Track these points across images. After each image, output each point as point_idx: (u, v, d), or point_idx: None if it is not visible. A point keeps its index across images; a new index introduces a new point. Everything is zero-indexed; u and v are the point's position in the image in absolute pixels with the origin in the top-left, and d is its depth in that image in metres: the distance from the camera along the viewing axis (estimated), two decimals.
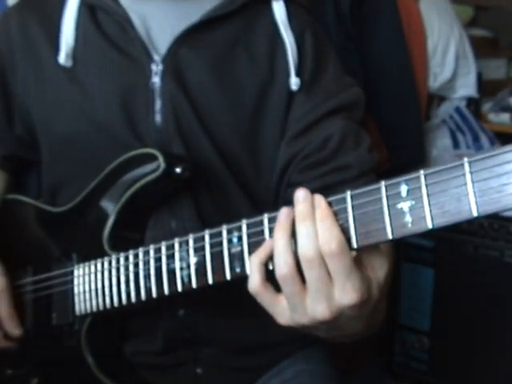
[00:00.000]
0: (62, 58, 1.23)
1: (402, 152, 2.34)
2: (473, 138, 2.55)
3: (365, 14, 2.25)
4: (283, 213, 0.89)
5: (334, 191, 1.14)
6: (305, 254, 0.84)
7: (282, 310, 0.90)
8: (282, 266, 0.86)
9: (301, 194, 0.89)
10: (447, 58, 2.59)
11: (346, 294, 0.84)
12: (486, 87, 2.80)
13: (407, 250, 2.41)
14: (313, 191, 1.09)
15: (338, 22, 2.17)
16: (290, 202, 1.21)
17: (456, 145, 2.54)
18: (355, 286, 0.84)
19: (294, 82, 1.22)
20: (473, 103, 2.70)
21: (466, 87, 2.65)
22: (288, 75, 1.23)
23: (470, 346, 2.26)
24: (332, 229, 0.83)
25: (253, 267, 0.90)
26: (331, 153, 1.20)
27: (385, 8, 2.30)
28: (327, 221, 0.84)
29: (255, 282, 0.90)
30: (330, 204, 0.86)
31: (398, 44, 2.33)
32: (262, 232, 0.92)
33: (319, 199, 0.87)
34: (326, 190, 1.13)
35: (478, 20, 3.28)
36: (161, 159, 1.12)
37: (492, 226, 2.21)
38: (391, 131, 2.31)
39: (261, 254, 0.90)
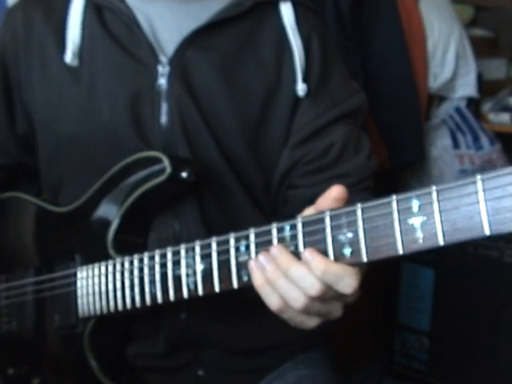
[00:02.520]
0: (69, 56, 1.22)
1: (401, 152, 2.34)
2: (473, 138, 2.54)
3: (365, 13, 2.25)
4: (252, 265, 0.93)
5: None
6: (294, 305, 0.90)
7: None
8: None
9: (263, 259, 0.91)
10: (447, 57, 2.58)
11: (338, 309, 0.93)
12: (486, 87, 2.79)
13: None
14: (311, 196, 1.15)
15: (338, 21, 2.17)
16: (289, 203, 1.24)
17: (456, 145, 2.54)
18: (351, 297, 0.91)
19: (301, 89, 1.22)
20: (473, 103, 2.69)
21: (466, 87, 2.64)
22: (295, 81, 1.23)
23: (469, 346, 2.27)
24: (305, 278, 0.87)
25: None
26: (332, 161, 1.23)
27: (385, 8, 2.30)
28: (295, 273, 0.88)
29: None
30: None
31: (397, 44, 2.33)
32: (270, 241, 0.92)
33: (286, 261, 0.90)
34: None
35: (478, 20, 3.26)
36: (166, 163, 1.11)
37: None
38: (391, 131, 2.31)
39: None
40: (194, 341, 1.24)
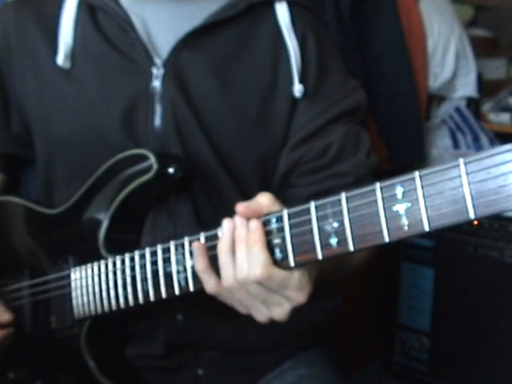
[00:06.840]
0: (61, 58, 1.21)
1: (401, 152, 2.34)
2: (473, 138, 2.54)
3: (365, 13, 2.25)
4: (225, 225, 0.96)
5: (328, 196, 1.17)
6: (240, 276, 0.93)
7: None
8: (226, 279, 0.95)
9: (238, 220, 0.95)
10: (447, 58, 2.58)
11: (281, 310, 0.95)
12: (486, 87, 2.79)
13: (407, 250, 2.41)
14: (308, 196, 1.18)
15: (338, 21, 2.17)
16: (289, 202, 1.23)
17: (456, 145, 2.54)
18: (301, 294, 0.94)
19: (298, 90, 1.21)
20: (473, 103, 2.69)
21: (466, 87, 2.64)
22: (291, 82, 1.21)
23: (469, 346, 2.26)
24: (258, 255, 0.91)
25: (202, 277, 0.99)
26: (330, 161, 1.22)
27: (385, 8, 2.30)
28: (255, 247, 0.91)
29: (211, 285, 0.98)
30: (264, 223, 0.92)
31: (397, 44, 2.33)
32: None
33: (254, 225, 0.93)
34: (321, 195, 1.19)
35: (478, 20, 3.26)
36: (153, 160, 1.10)
37: (492, 226, 2.21)
38: (391, 131, 2.31)
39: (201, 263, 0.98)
40: (192, 342, 1.24)
